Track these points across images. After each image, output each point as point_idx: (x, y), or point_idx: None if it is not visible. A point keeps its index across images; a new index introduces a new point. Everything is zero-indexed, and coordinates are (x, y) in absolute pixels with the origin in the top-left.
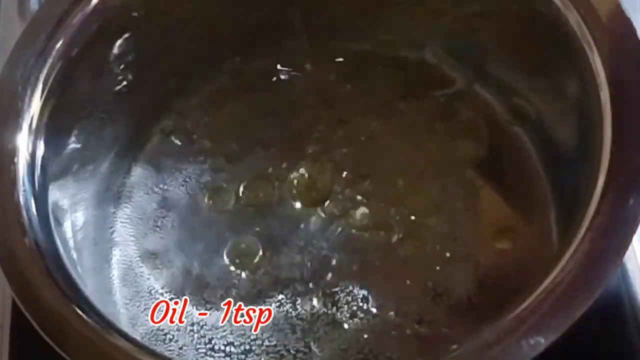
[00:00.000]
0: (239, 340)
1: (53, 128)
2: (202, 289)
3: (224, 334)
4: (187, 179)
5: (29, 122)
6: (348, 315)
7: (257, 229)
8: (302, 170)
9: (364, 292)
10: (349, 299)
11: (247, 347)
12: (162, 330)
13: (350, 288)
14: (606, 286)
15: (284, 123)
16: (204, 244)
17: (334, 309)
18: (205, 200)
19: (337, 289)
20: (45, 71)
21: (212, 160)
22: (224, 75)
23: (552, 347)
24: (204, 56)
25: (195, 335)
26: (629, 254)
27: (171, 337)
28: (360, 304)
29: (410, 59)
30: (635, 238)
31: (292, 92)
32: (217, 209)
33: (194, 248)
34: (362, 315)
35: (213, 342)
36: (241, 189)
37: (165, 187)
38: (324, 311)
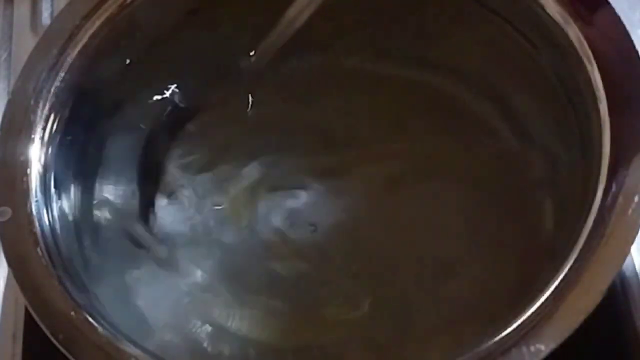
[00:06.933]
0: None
1: (65, 140)
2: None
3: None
4: (198, 189)
5: (41, 134)
6: None
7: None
8: None
9: None
10: None
11: None
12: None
13: None
14: (605, 294)
15: None
16: (214, 256)
17: None
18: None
19: None
20: (57, 84)
21: (223, 176)
22: (234, 90)
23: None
24: (214, 70)
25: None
26: (627, 262)
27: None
28: None
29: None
30: (633, 247)
31: None
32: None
33: (205, 260)
34: None
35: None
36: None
37: (176, 198)
38: None
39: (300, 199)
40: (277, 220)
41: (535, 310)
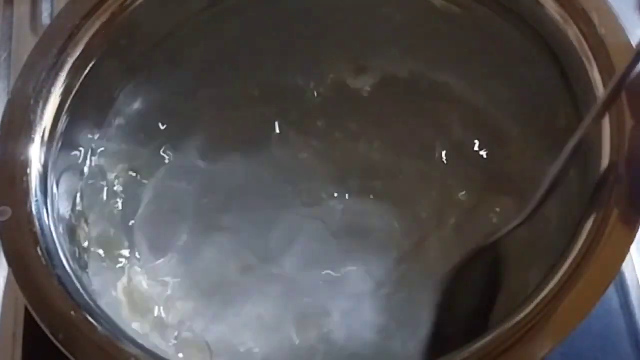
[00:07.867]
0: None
1: (65, 140)
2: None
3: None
4: (199, 198)
5: (41, 134)
6: None
7: None
8: None
9: None
10: None
11: None
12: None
13: None
14: (605, 293)
15: None
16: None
17: None
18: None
19: None
20: (56, 84)
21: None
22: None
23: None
24: (218, 71)
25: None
26: (627, 262)
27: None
28: None
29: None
30: (633, 247)
31: None
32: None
33: (204, 265)
34: None
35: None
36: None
37: (175, 203)
38: None
39: None
40: None
41: (535, 310)
